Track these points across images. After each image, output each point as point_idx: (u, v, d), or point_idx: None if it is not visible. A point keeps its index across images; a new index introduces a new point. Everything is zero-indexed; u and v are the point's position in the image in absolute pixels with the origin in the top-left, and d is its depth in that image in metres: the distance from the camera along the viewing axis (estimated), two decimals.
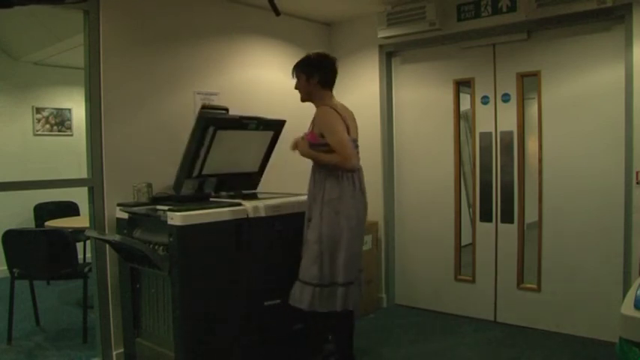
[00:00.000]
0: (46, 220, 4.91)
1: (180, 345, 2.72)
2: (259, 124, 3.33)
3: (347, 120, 2.90)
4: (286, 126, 3.57)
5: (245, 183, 3.58)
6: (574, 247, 3.53)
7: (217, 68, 3.76)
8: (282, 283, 3.11)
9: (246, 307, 2.95)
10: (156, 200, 3.09)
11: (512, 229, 3.81)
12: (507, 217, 3.83)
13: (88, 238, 3.72)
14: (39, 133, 5.92)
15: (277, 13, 2.58)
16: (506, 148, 3.81)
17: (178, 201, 3.06)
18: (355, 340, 3.62)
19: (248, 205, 2.97)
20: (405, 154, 4.34)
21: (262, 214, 2.99)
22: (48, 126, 5.99)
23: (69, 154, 5.73)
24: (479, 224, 3.96)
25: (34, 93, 5.87)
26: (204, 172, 3.27)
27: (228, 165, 3.39)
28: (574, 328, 3.55)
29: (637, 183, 3.22)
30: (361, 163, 4.35)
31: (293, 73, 3.01)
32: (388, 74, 4.36)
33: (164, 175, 3.33)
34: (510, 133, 3.78)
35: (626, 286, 3.22)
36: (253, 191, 3.63)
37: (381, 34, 4.14)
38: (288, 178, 4.04)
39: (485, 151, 3.89)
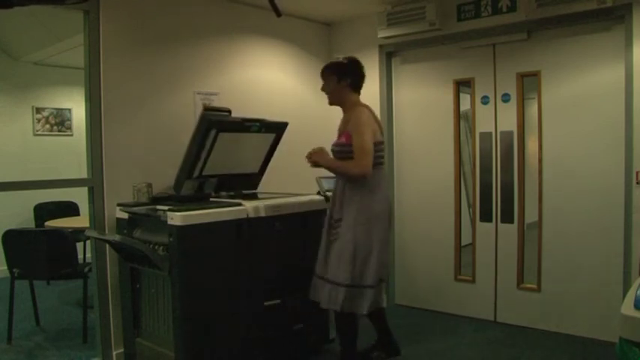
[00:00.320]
0: (46, 220, 4.91)
1: (180, 345, 2.72)
2: (262, 126, 3.32)
3: (379, 123, 2.94)
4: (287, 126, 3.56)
5: (245, 183, 3.58)
6: (574, 247, 3.53)
7: (217, 68, 3.76)
8: (282, 283, 3.12)
9: (246, 307, 2.95)
10: (156, 200, 3.09)
11: (512, 229, 3.81)
12: (507, 217, 3.83)
13: (88, 238, 3.72)
14: (39, 133, 5.92)
15: (278, 14, 2.58)
16: (506, 148, 3.81)
17: (178, 201, 3.06)
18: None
19: (248, 205, 2.97)
20: (405, 154, 4.34)
21: (262, 214, 2.99)
22: (48, 126, 5.99)
23: (69, 154, 5.73)
24: (479, 224, 3.96)
25: (34, 93, 5.87)
26: (205, 173, 3.27)
27: (228, 166, 3.38)
28: (574, 328, 3.55)
29: (637, 183, 3.22)
30: None
31: (322, 75, 2.98)
32: (388, 74, 4.36)
33: (164, 175, 3.33)
34: (510, 133, 3.78)
35: (626, 286, 3.22)
36: (253, 191, 3.63)
37: (381, 34, 4.14)
38: (288, 179, 4.04)
39: (485, 151, 3.89)
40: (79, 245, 4.51)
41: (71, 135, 6.14)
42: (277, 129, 3.47)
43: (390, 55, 4.34)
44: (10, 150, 5.57)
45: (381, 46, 4.31)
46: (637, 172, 3.21)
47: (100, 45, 3.13)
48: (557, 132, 3.58)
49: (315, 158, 2.87)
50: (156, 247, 2.82)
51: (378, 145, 2.82)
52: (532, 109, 3.73)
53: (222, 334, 2.85)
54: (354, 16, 4.42)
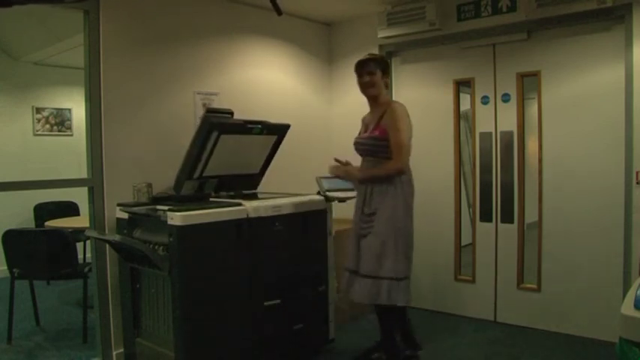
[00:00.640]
0: (46, 220, 4.91)
1: (180, 345, 2.72)
2: (263, 128, 3.32)
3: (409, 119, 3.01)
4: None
5: (245, 183, 3.58)
6: (574, 247, 3.53)
7: (217, 68, 3.76)
8: (282, 283, 3.11)
9: (246, 307, 2.95)
10: (156, 200, 3.09)
11: (512, 229, 3.81)
12: (507, 217, 3.83)
13: (88, 238, 3.72)
14: (39, 133, 5.92)
15: (279, 12, 2.58)
16: (506, 148, 3.81)
17: (178, 201, 3.05)
18: (355, 340, 3.64)
19: (248, 205, 2.97)
20: None
21: (262, 214, 2.99)
22: (48, 126, 5.99)
23: (69, 154, 5.73)
24: (479, 224, 3.96)
25: (34, 93, 5.87)
26: (206, 173, 3.26)
27: (229, 167, 3.38)
28: (574, 328, 3.55)
29: (637, 183, 3.22)
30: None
31: (368, 66, 2.99)
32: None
33: (164, 175, 3.33)
34: (510, 133, 3.78)
35: (626, 286, 3.22)
36: (253, 191, 3.63)
37: (381, 34, 4.14)
38: (288, 179, 4.05)
39: (485, 151, 3.89)
40: (79, 245, 4.51)
41: (71, 135, 6.14)
42: (279, 131, 3.47)
43: (390, 55, 4.34)
44: (10, 150, 5.57)
45: (381, 46, 4.31)
46: (637, 172, 3.21)
47: (100, 45, 3.13)
48: (557, 132, 3.58)
49: (346, 177, 2.97)
50: (156, 247, 2.82)
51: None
52: (532, 109, 3.73)
53: (222, 334, 2.85)
54: (354, 16, 4.42)
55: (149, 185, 3.17)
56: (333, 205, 3.42)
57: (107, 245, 3.13)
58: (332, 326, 3.45)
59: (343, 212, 4.09)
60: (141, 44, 3.32)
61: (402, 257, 2.84)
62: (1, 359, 3.41)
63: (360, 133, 3.15)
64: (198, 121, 3.31)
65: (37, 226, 5.37)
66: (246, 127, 3.23)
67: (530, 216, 3.76)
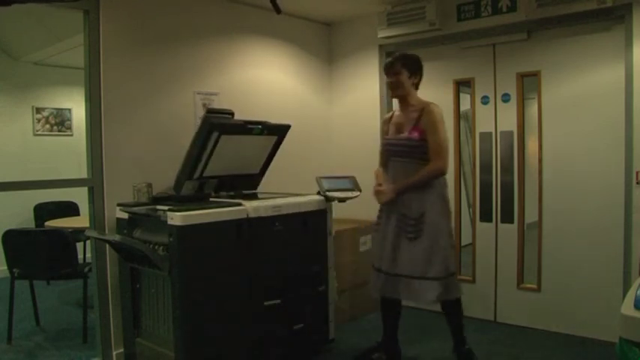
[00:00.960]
0: (46, 220, 4.91)
1: (180, 345, 2.72)
2: (264, 129, 3.32)
3: None
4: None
5: (245, 183, 3.58)
6: (574, 247, 3.53)
7: (217, 68, 3.76)
8: (282, 283, 3.11)
9: (246, 307, 2.95)
10: (156, 200, 3.09)
11: (512, 229, 3.81)
12: (507, 217, 3.83)
13: (88, 238, 3.73)
14: (39, 133, 5.92)
15: (278, 11, 2.59)
16: (506, 148, 3.81)
17: (178, 201, 3.06)
18: (355, 340, 3.64)
19: (248, 205, 2.97)
20: None
21: (262, 214, 2.99)
22: (48, 126, 5.99)
23: (69, 154, 5.73)
24: (479, 224, 3.96)
25: (34, 93, 5.87)
26: (206, 174, 3.27)
27: (229, 167, 3.38)
28: (574, 328, 3.55)
29: (637, 183, 3.22)
30: (361, 163, 4.36)
31: (395, 66, 2.97)
32: None
33: (164, 175, 3.33)
34: (510, 133, 3.78)
35: (626, 286, 3.22)
36: (253, 191, 3.63)
37: (381, 34, 4.14)
38: (288, 179, 4.05)
39: (485, 151, 3.89)
40: (79, 245, 4.51)
41: (71, 135, 6.14)
42: (279, 131, 3.46)
43: (390, 55, 4.33)
44: (10, 150, 5.57)
45: (381, 46, 4.31)
46: (637, 172, 3.21)
47: (100, 45, 3.13)
48: (557, 132, 3.58)
49: (391, 195, 2.92)
50: (156, 247, 2.82)
51: None
52: (532, 109, 3.73)
53: (222, 334, 2.85)
54: (354, 16, 4.42)
55: (149, 185, 3.17)
56: (333, 205, 3.42)
57: (107, 245, 3.13)
58: (332, 326, 3.45)
59: (343, 212, 4.10)
60: (141, 44, 3.32)
61: (451, 252, 2.93)
62: (1, 359, 3.41)
63: (387, 134, 3.11)
64: (198, 121, 3.31)
65: (37, 226, 5.37)
66: (247, 128, 3.23)
67: (530, 216, 3.76)
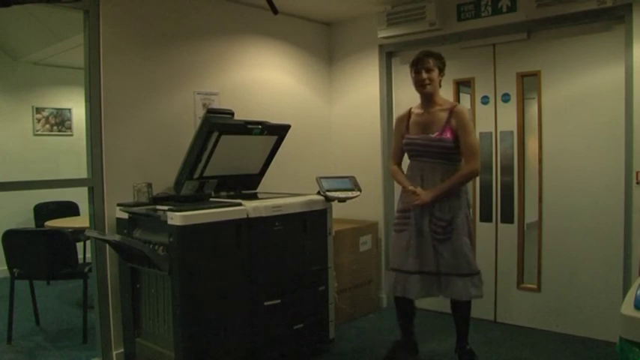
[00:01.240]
0: (46, 220, 4.91)
1: (180, 345, 2.72)
2: (264, 129, 3.32)
3: None
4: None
5: (245, 183, 3.58)
6: (574, 247, 3.53)
7: (217, 68, 3.76)
8: (282, 283, 3.11)
9: (247, 307, 2.95)
10: (156, 200, 3.09)
11: (512, 229, 3.81)
12: (507, 217, 3.83)
13: (88, 238, 3.72)
14: (39, 133, 5.92)
15: (275, 11, 2.58)
16: (506, 148, 3.81)
17: (178, 201, 3.06)
18: (355, 340, 3.64)
19: (248, 205, 2.97)
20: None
21: (262, 214, 2.99)
22: (48, 126, 6.00)
23: (69, 154, 5.74)
24: (479, 224, 3.96)
25: (34, 93, 5.87)
26: (206, 174, 3.27)
27: (229, 167, 3.38)
28: (574, 328, 3.55)
29: (637, 183, 3.22)
30: (361, 163, 4.35)
31: (428, 62, 2.96)
32: (388, 74, 4.35)
33: (164, 175, 3.33)
34: (510, 133, 3.78)
35: (626, 286, 3.22)
36: (253, 191, 3.63)
37: (381, 34, 4.14)
38: (288, 179, 4.05)
39: (486, 151, 3.89)
40: (79, 245, 4.51)
41: (71, 135, 6.14)
42: (279, 131, 3.46)
43: (390, 55, 4.34)
44: (10, 150, 5.57)
45: (381, 46, 4.30)
46: (637, 172, 3.21)
47: (100, 45, 3.13)
48: (557, 132, 3.58)
49: (427, 199, 2.90)
50: (156, 247, 2.82)
51: None
52: (532, 109, 3.73)
53: (222, 334, 2.85)
54: (354, 16, 4.42)
55: (149, 185, 3.17)
56: (333, 205, 3.42)
57: (107, 245, 3.13)
58: (332, 326, 3.45)
59: (343, 212, 4.10)
60: (141, 44, 3.32)
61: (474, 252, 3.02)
62: (1, 359, 3.41)
63: (405, 132, 3.07)
64: (198, 121, 3.31)
65: (37, 226, 5.37)
66: (247, 128, 3.23)
67: (530, 216, 3.76)
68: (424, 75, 2.95)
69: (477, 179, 3.93)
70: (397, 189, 4.37)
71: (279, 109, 4.13)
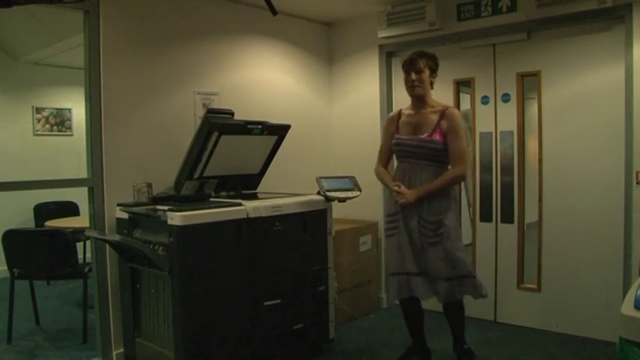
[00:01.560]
0: (46, 220, 4.91)
1: (180, 345, 2.72)
2: (264, 129, 3.32)
3: None
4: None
5: (245, 183, 3.58)
6: (574, 247, 3.53)
7: (217, 68, 3.76)
8: (282, 283, 3.11)
9: (247, 307, 2.95)
10: (156, 200, 3.09)
11: (512, 229, 3.81)
12: (507, 217, 3.83)
13: (88, 238, 3.72)
14: (39, 133, 5.92)
15: (274, 12, 2.58)
16: (506, 148, 3.81)
17: (178, 201, 3.06)
18: (355, 340, 3.64)
19: (248, 205, 2.97)
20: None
21: (262, 214, 2.99)
22: (48, 126, 5.99)
23: (69, 154, 5.74)
24: (479, 224, 3.96)
25: (34, 93, 5.87)
26: (206, 174, 3.27)
27: (229, 167, 3.38)
28: (574, 328, 3.55)
29: (637, 183, 3.22)
30: (361, 163, 4.35)
31: (418, 63, 2.91)
32: (388, 74, 4.35)
33: (164, 175, 3.33)
34: (510, 133, 3.78)
35: (626, 286, 3.22)
36: (253, 191, 3.63)
37: (381, 34, 4.14)
38: (288, 179, 4.05)
39: (486, 151, 3.89)
40: (79, 245, 4.51)
41: (71, 135, 6.14)
42: (279, 131, 3.46)
43: (390, 55, 4.34)
44: (10, 150, 5.57)
45: (381, 46, 4.31)
46: (637, 172, 3.21)
47: (100, 45, 3.13)
48: (557, 132, 3.58)
49: (411, 199, 2.84)
50: (156, 247, 2.82)
51: None
52: (532, 109, 3.73)
53: (222, 334, 2.85)
54: (354, 16, 4.42)
55: (149, 185, 3.17)
56: (333, 205, 3.42)
57: (107, 245, 3.13)
58: (332, 326, 3.45)
59: (343, 212, 4.10)
60: (141, 44, 3.32)
61: (468, 254, 2.99)
62: (1, 359, 3.41)
63: (394, 133, 3.02)
64: (198, 121, 3.31)
65: (37, 226, 5.37)
66: (247, 128, 3.23)
67: (530, 216, 3.76)
68: (413, 76, 2.90)
69: (477, 179, 3.94)
70: None
71: (279, 109, 4.13)
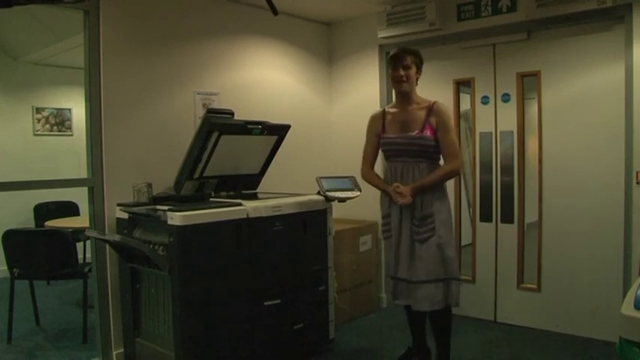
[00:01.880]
0: (46, 220, 4.91)
1: (180, 345, 2.72)
2: (264, 129, 3.31)
3: None
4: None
5: (245, 183, 3.58)
6: (574, 247, 3.53)
7: (217, 68, 3.76)
8: (282, 283, 3.12)
9: (247, 307, 2.95)
10: (156, 200, 3.09)
11: (512, 229, 3.81)
12: (507, 217, 3.83)
13: (88, 238, 3.72)
14: (39, 133, 5.92)
15: (275, 12, 2.58)
16: (506, 148, 3.81)
17: (178, 201, 3.06)
18: (355, 340, 3.64)
19: (248, 205, 2.97)
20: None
21: (262, 214, 2.99)
22: (48, 126, 5.99)
23: (69, 154, 5.74)
24: (479, 224, 3.96)
25: (34, 93, 5.87)
26: (206, 174, 3.27)
27: (229, 167, 3.39)
28: (574, 328, 3.55)
29: (637, 183, 3.22)
30: (361, 163, 4.33)
31: (405, 59, 2.85)
32: (388, 74, 4.34)
33: (164, 175, 3.33)
34: (510, 133, 3.78)
35: (626, 286, 3.22)
36: (253, 191, 3.63)
37: (381, 34, 4.14)
38: (288, 179, 4.05)
39: (486, 151, 3.89)
40: (79, 245, 4.51)
41: (71, 135, 6.14)
42: (279, 131, 3.46)
43: (389, 55, 4.34)
44: (10, 150, 5.57)
45: (381, 46, 4.31)
46: (637, 172, 3.21)
47: (100, 45, 3.13)
48: (557, 132, 3.58)
49: (410, 198, 2.76)
50: (156, 247, 2.82)
51: None
52: (532, 109, 3.73)
53: (222, 334, 2.85)
54: (354, 16, 4.42)
55: (149, 185, 3.17)
56: (333, 205, 3.42)
57: (107, 245, 3.13)
58: (332, 326, 3.45)
59: (343, 212, 4.10)
60: (141, 44, 3.32)
61: (457, 256, 2.86)
62: (1, 359, 3.41)
63: (380, 132, 2.94)
64: (198, 121, 3.31)
65: (37, 226, 5.37)
66: (247, 128, 3.23)
67: (530, 216, 3.76)
68: (401, 72, 2.83)
69: (477, 179, 3.94)
70: None
71: (279, 109, 4.13)
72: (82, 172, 3.28)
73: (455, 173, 2.88)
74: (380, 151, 3.03)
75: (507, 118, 3.79)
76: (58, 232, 3.84)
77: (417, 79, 2.91)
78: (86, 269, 3.69)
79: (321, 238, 3.35)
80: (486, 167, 3.89)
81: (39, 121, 5.92)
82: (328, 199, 3.32)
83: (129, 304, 3.11)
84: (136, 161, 3.28)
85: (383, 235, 3.04)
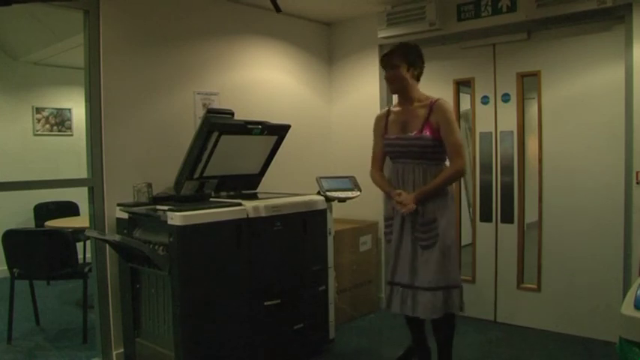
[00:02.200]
0: (46, 220, 4.91)
1: (180, 345, 2.72)
2: (264, 129, 3.31)
3: None
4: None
5: (245, 183, 3.58)
6: (574, 246, 3.53)
7: (217, 68, 3.76)
8: (282, 283, 3.12)
9: (247, 307, 2.95)
10: (156, 200, 3.09)
11: (512, 229, 3.81)
12: (507, 217, 3.83)
13: (88, 238, 3.73)
14: (39, 133, 5.92)
15: (278, 9, 2.58)
16: (507, 148, 3.81)
17: (178, 201, 3.06)
18: (355, 340, 3.64)
19: (248, 205, 2.97)
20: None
21: (262, 214, 2.99)
22: (48, 126, 5.99)
23: (69, 154, 5.74)
24: (479, 224, 3.96)
25: (34, 93, 5.87)
26: (206, 174, 3.27)
27: (229, 167, 3.38)
28: (574, 328, 3.55)
29: (637, 183, 3.22)
30: (361, 163, 4.34)
31: (391, 59, 2.74)
32: None
33: (164, 175, 3.33)
34: (510, 133, 3.78)
35: (626, 286, 3.22)
36: (253, 191, 3.63)
37: (381, 34, 4.14)
38: (288, 179, 4.05)
39: (486, 151, 3.89)
40: (79, 245, 4.51)
41: (71, 135, 6.14)
42: (279, 131, 3.46)
43: None
44: (10, 150, 5.57)
45: (381, 46, 4.30)
46: (637, 172, 3.21)
47: (100, 45, 3.13)
48: (557, 132, 3.58)
49: (413, 207, 2.66)
50: (156, 247, 2.82)
51: None
52: (532, 109, 3.73)
53: (222, 334, 2.85)
54: (354, 16, 4.42)
55: (149, 185, 3.17)
56: (333, 205, 3.42)
57: (107, 245, 3.13)
58: (332, 326, 3.45)
59: (343, 212, 4.10)
60: (141, 44, 3.32)
61: (459, 263, 2.77)
62: (1, 359, 3.41)
63: (384, 133, 2.86)
64: (198, 121, 3.31)
65: (37, 226, 5.37)
66: (247, 128, 3.23)
67: (530, 216, 3.76)
68: (389, 72, 2.75)
69: (477, 179, 3.94)
70: None
71: (279, 109, 4.13)
72: (82, 172, 3.28)
73: (459, 174, 2.72)
74: None
75: (507, 118, 3.79)
76: (58, 232, 3.84)
77: (417, 76, 2.79)
78: (86, 269, 3.69)
79: (321, 238, 3.35)
80: (486, 167, 3.89)
81: (39, 121, 5.92)
82: (328, 199, 3.33)
83: (129, 304, 3.11)
84: (136, 161, 3.28)
85: (385, 238, 2.97)
